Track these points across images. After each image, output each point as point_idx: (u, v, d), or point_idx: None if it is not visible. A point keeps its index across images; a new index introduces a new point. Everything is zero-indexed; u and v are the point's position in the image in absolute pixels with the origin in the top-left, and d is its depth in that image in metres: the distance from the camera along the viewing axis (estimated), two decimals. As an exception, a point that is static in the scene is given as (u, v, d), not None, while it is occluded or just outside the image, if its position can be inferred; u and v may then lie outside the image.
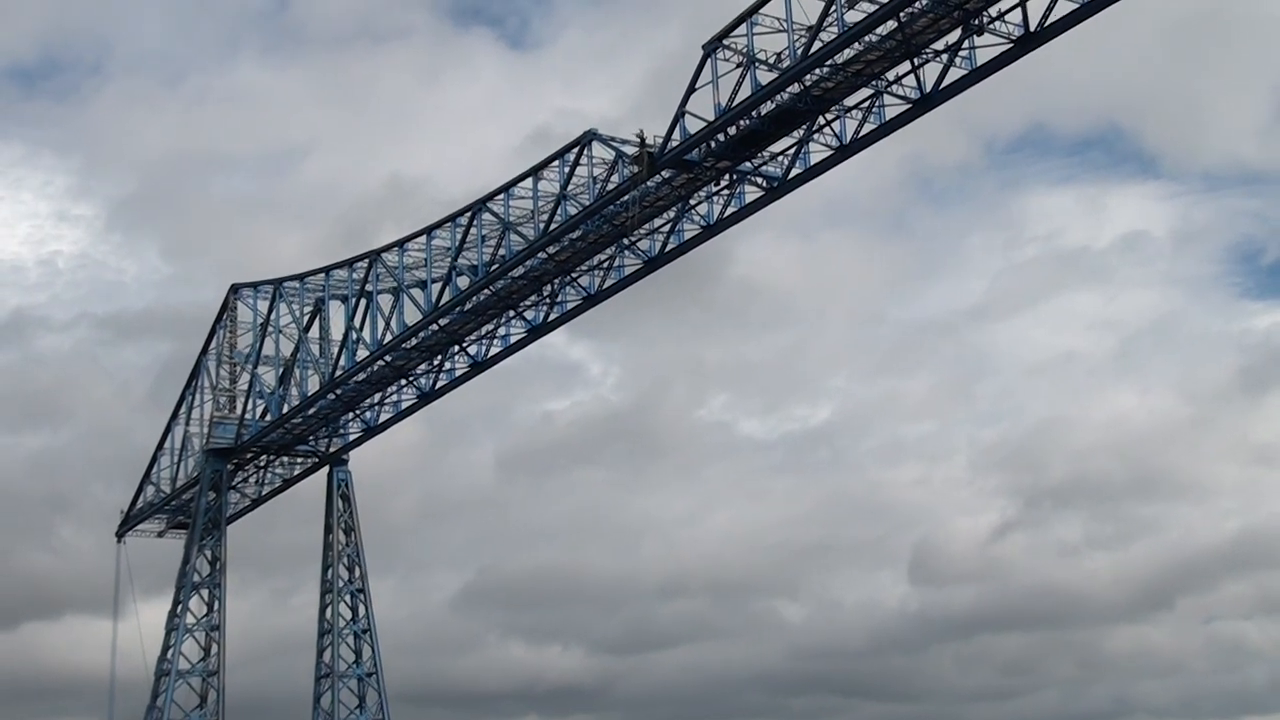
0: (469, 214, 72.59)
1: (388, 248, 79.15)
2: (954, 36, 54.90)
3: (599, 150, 65.30)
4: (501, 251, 70.78)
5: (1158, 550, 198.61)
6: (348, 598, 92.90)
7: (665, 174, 62.89)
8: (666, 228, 68.28)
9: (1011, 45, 54.15)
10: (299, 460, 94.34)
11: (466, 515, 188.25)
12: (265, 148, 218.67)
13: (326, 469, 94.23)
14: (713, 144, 61.03)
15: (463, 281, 73.72)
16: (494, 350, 79.27)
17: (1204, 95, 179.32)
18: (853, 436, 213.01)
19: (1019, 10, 53.38)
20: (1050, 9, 52.52)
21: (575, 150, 65.95)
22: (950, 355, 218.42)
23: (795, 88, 57.24)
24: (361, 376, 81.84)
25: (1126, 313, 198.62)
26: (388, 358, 79.62)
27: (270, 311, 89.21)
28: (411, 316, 77.38)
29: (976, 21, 53.97)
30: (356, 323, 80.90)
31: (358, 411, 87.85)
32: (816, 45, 54.94)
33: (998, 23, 53.91)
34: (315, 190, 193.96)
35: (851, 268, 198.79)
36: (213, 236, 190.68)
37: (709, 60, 58.08)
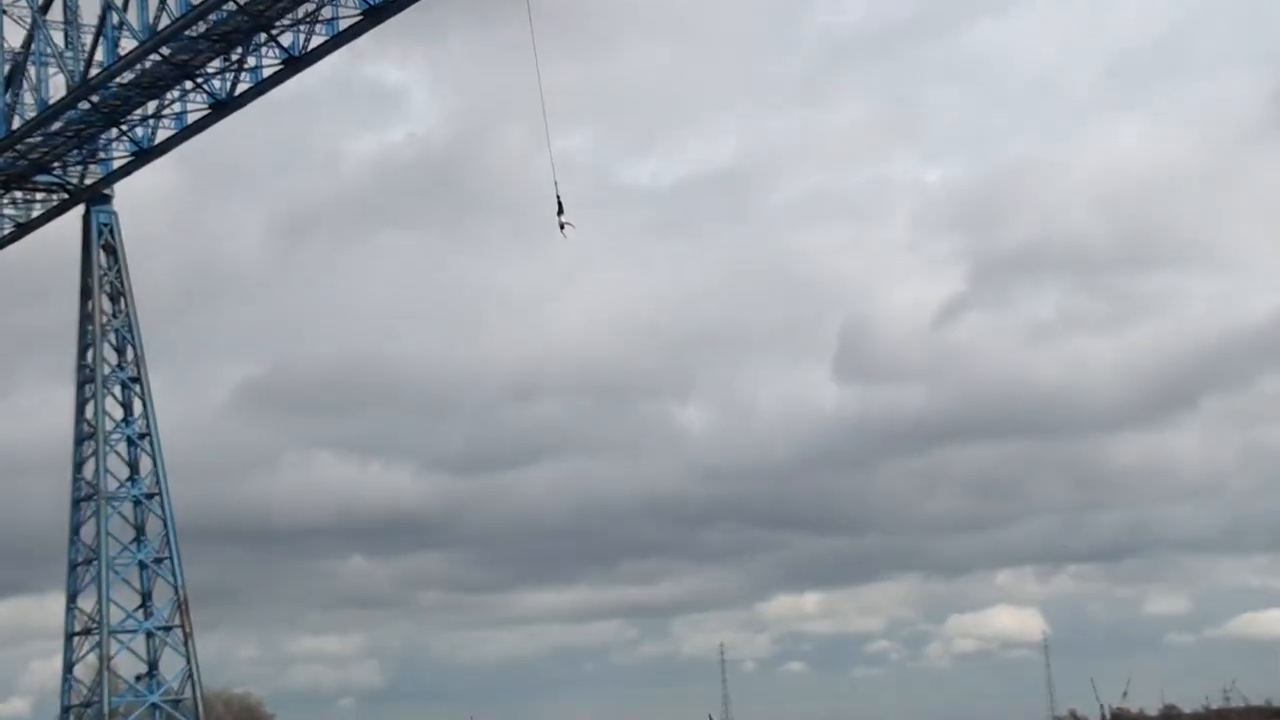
0: None
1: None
2: None
3: None
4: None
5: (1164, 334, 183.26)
6: (117, 390, 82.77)
7: None
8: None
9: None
10: (39, 196, 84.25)
11: (244, 290, 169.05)
12: None
13: (81, 209, 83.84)
14: None
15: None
16: (315, 40, 69.26)
17: None
18: (760, 186, 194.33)
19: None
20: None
21: None
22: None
23: None
24: (128, 77, 72.05)
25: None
26: (165, 50, 69.43)
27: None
28: (198, -10, 69.36)
29: None
30: (118, 0, 70.20)
31: (125, 128, 77.54)
32: None
33: None
34: None
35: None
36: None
37: None
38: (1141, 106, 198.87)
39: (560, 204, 52.29)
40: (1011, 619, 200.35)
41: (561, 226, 52.79)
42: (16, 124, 76.58)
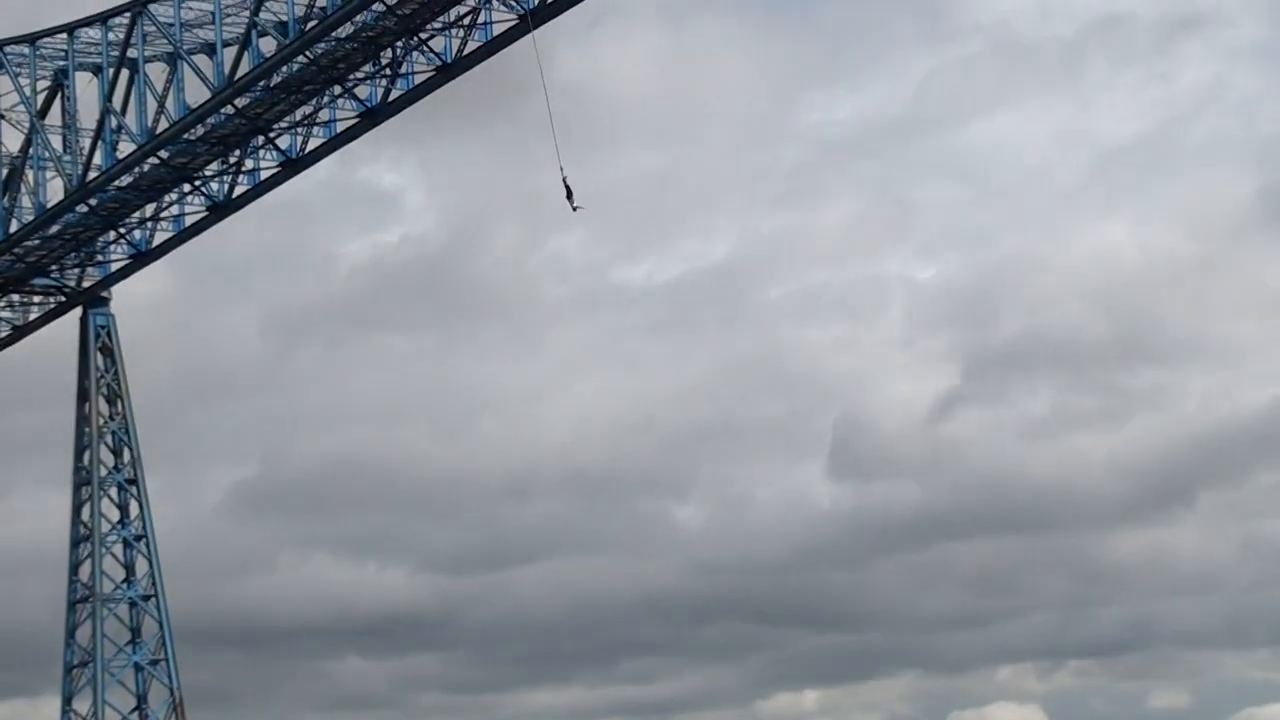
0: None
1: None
2: None
3: None
4: (322, 1, 61.82)
5: (1159, 428, 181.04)
6: (114, 491, 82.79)
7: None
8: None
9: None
10: (36, 299, 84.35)
11: (240, 391, 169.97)
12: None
13: (79, 312, 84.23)
14: None
15: (268, 44, 64.99)
16: (314, 142, 70.51)
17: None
18: (753, 284, 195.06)
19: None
20: None
21: None
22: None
23: None
24: (126, 180, 72.39)
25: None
26: (163, 154, 70.30)
27: (-12, 88, 78.34)
28: (196, 95, 68.07)
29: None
30: (116, 104, 71.27)
31: (122, 230, 77.56)
32: None
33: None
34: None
35: (737, 68, 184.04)
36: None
37: None
38: (1131, 202, 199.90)
39: (568, 189, 53.28)
40: (1013, 715, 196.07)
41: (574, 209, 53.78)
42: (14, 227, 76.91)
